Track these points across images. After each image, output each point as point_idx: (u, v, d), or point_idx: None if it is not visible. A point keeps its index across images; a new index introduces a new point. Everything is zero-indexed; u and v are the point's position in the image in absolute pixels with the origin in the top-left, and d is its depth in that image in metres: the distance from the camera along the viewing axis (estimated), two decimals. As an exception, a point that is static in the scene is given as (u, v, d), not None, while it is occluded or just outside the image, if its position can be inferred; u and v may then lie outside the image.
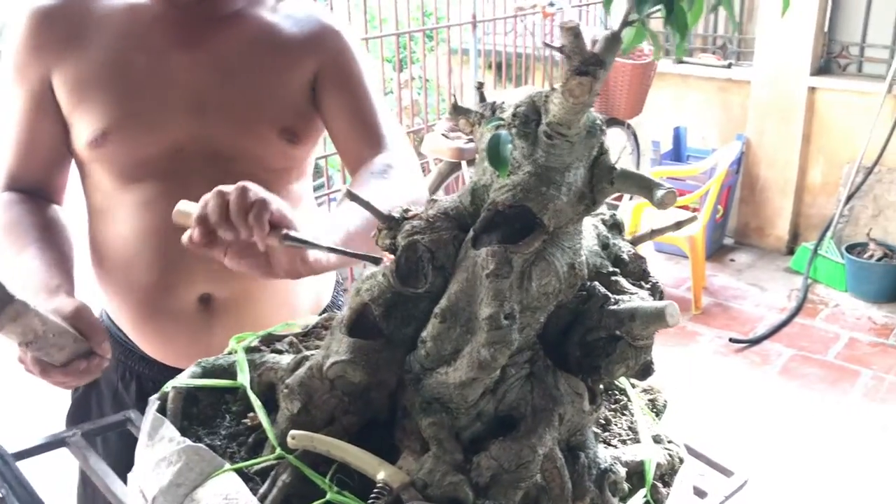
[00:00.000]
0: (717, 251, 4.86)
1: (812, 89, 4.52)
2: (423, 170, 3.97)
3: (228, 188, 0.98)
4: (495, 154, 0.74)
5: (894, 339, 3.91)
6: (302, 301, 1.42)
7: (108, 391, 1.40)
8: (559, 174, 0.82)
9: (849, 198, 4.44)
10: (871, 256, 4.26)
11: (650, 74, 4.62)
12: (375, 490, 0.79)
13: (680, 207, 4.48)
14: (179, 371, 0.98)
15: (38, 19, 1.27)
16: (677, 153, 5.04)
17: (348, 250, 1.00)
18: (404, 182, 1.24)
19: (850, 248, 4.34)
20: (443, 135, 3.82)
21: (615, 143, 5.15)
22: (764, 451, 3.08)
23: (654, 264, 4.66)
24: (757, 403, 3.42)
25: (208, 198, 0.98)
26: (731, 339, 3.88)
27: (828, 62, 4.57)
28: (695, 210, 4.52)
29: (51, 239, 1.26)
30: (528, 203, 0.81)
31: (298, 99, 1.33)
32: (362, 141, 1.32)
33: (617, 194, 1.04)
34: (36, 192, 1.33)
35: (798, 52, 4.48)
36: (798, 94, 4.53)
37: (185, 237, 0.99)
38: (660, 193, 0.81)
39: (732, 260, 4.80)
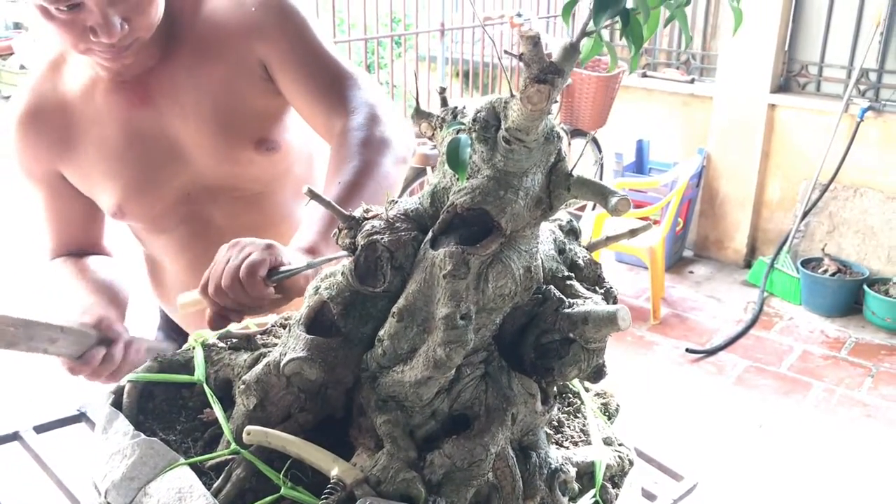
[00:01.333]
0: (676, 263, 4.93)
1: (772, 106, 4.61)
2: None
3: (216, 271, 1.08)
4: (454, 157, 0.76)
5: (846, 353, 4.00)
6: None
7: None
8: (517, 179, 0.83)
9: (805, 214, 4.54)
10: (826, 271, 4.35)
11: (615, 87, 4.68)
12: (329, 486, 0.80)
13: (641, 219, 4.54)
14: None
15: (25, 128, 1.38)
16: (640, 165, 5.11)
17: (330, 257, 1.07)
18: (385, 143, 1.26)
19: (806, 263, 4.43)
20: (408, 140, 3.83)
21: (580, 154, 5.20)
22: (717, 457, 3.13)
23: (615, 274, 4.73)
24: (711, 412, 3.47)
25: (206, 282, 1.08)
26: (687, 350, 3.94)
27: (787, 80, 4.67)
28: (655, 222, 4.58)
29: (91, 277, 1.41)
30: (487, 206, 0.83)
31: (259, 99, 1.34)
32: (326, 110, 1.31)
33: (580, 204, 1.07)
34: (81, 253, 1.48)
35: (759, 70, 4.57)
36: (758, 111, 4.62)
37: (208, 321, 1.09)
38: (614, 200, 0.83)
39: (691, 272, 4.87)
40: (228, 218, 1.45)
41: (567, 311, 0.89)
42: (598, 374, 0.92)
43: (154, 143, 1.36)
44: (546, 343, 0.91)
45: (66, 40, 1.22)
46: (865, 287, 4.25)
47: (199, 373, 0.94)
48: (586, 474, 0.93)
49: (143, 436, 0.86)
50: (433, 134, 0.90)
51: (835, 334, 4.17)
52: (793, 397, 3.60)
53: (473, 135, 0.83)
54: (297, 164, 1.47)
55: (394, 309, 0.85)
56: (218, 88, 1.33)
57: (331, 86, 1.32)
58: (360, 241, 0.87)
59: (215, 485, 0.83)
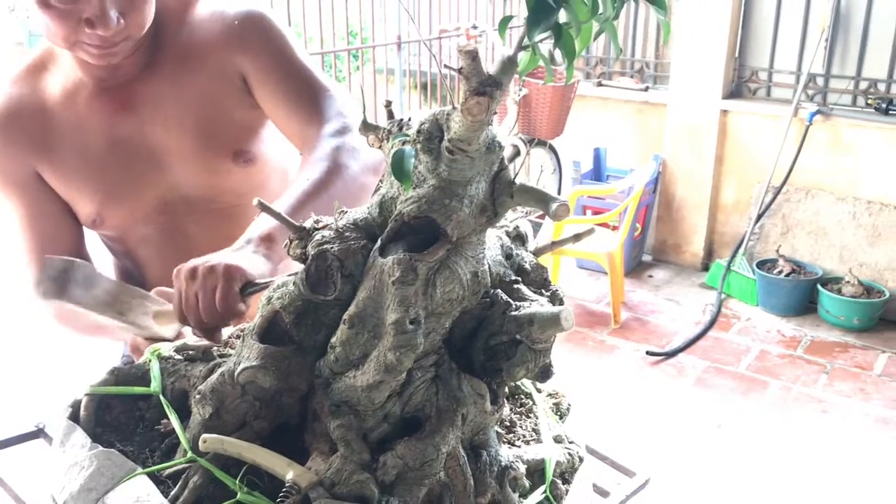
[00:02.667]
0: (635, 268, 5.00)
1: (724, 112, 4.71)
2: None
3: (190, 306, 1.09)
4: (399, 168, 0.79)
5: (802, 351, 4.09)
6: None
7: None
8: (461, 187, 0.87)
9: (759, 216, 4.64)
10: (781, 272, 4.45)
11: (570, 97, 4.75)
12: (284, 490, 0.82)
13: (599, 225, 4.61)
14: None
15: (3, 126, 1.35)
16: (597, 173, 5.19)
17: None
18: (356, 151, 1.29)
19: (761, 265, 4.53)
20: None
21: (539, 163, 5.27)
22: (677, 457, 3.19)
23: (576, 280, 4.79)
24: (672, 413, 3.53)
25: (180, 302, 1.10)
26: (648, 352, 4.00)
27: (739, 86, 4.78)
28: (614, 228, 4.65)
29: None
30: (433, 214, 0.86)
31: (237, 111, 1.37)
32: (302, 120, 1.34)
33: (539, 213, 1.10)
34: None
35: (711, 77, 4.68)
36: (711, 117, 4.72)
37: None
38: (554, 206, 0.87)
39: (650, 276, 4.95)
40: (204, 230, 1.46)
41: (514, 313, 0.93)
42: (545, 373, 0.96)
43: (135, 150, 1.37)
44: (494, 345, 0.94)
45: (59, 32, 1.22)
46: (819, 286, 4.35)
47: (156, 385, 0.96)
48: (537, 471, 0.96)
49: (100, 447, 0.87)
50: (381, 145, 0.93)
51: (791, 333, 4.27)
52: (751, 396, 3.68)
53: (418, 146, 0.86)
54: (273, 178, 1.49)
55: (345, 316, 0.88)
56: (199, 99, 1.36)
57: (307, 97, 1.36)
58: (311, 250, 0.89)
59: (172, 492, 0.84)
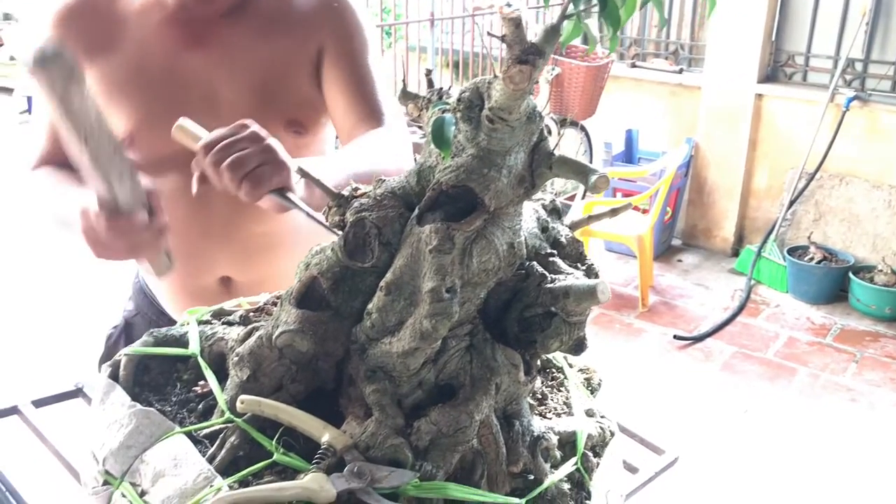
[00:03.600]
0: (665, 252, 4.97)
1: (759, 96, 4.65)
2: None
3: (233, 133, 1.03)
4: (439, 135, 0.79)
5: (831, 339, 4.05)
6: None
7: None
8: (500, 157, 0.87)
9: (791, 202, 4.59)
10: (812, 259, 4.40)
11: (604, 77, 4.71)
12: (320, 451, 0.83)
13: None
14: None
15: (64, 18, 1.33)
16: (629, 155, 5.15)
17: (324, 222, 1.02)
18: (386, 151, 1.29)
19: (792, 251, 4.48)
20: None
21: (569, 144, 5.24)
22: (703, 439, 3.18)
23: (604, 263, 4.77)
24: (698, 397, 3.52)
25: (212, 147, 1.03)
26: (675, 336, 3.98)
27: (774, 70, 4.71)
28: (644, 211, 4.63)
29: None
30: (471, 184, 0.86)
31: (304, 84, 1.37)
32: (359, 116, 1.35)
33: (570, 193, 1.10)
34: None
35: (746, 60, 4.61)
36: (745, 101, 4.66)
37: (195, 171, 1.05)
38: (593, 178, 0.87)
39: (680, 260, 4.92)
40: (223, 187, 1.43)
41: (549, 285, 0.93)
42: (579, 346, 0.96)
43: (191, 87, 1.34)
44: (529, 317, 0.94)
45: None
46: (850, 274, 4.30)
47: (194, 346, 0.97)
48: (568, 443, 0.97)
49: (139, 406, 0.89)
50: (419, 115, 0.93)
51: (820, 321, 4.23)
52: (778, 383, 3.65)
53: (458, 114, 0.86)
54: (315, 152, 1.49)
55: (382, 283, 0.88)
56: (273, 60, 1.35)
57: (371, 99, 1.38)
58: (349, 217, 0.90)
59: (209, 452, 0.86)
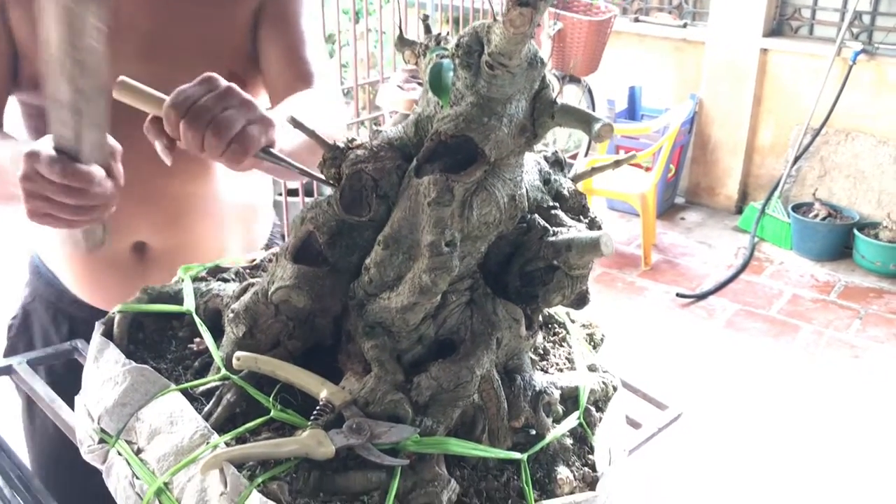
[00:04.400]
0: (668, 210, 4.94)
1: (764, 51, 4.58)
2: (378, 122, 3.96)
3: (202, 90, 0.92)
4: (437, 81, 0.76)
5: (835, 296, 4.04)
6: (235, 247, 1.42)
7: (39, 333, 1.41)
8: (501, 105, 0.84)
9: (796, 159, 4.54)
10: (816, 216, 4.37)
11: (606, 32, 4.64)
12: (318, 408, 0.82)
13: (633, 166, 4.54)
14: None
15: None
16: (632, 112, 5.10)
17: (316, 174, 0.95)
18: (326, 110, 1.24)
19: (796, 208, 4.45)
20: (398, 87, 3.80)
21: (572, 100, 5.18)
22: (706, 396, 3.18)
23: (608, 222, 4.73)
24: (701, 354, 3.52)
25: (184, 96, 0.91)
26: (678, 294, 3.97)
27: (780, 24, 4.63)
28: (647, 169, 4.58)
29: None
30: (470, 133, 0.83)
31: (243, 39, 1.32)
32: (292, 76, 1.30)
33: (573, 153, 1.07)
34: None
35: (751, 14, 4.53)
36: (750, 56, 4.59)
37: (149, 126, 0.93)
38: (597, 126, 0.84)
39: (683, 218, 4.89)
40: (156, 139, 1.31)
41: (551, 238, 0.90)
42: (581, 300, 0.94)
43: (124, 27, 1.22)
44: (531, 271, 0.92)
45: None
46: (855, 231, 4.27)
47: (189, 303, 0.95)
48: (570, 398, 0.95)
49: (133, 363, 0.87)
50: (417, 61, 0.90)
51: (824, 278, 4.21)
52: (782, 340, 3.65)
53: (457, 60, 0.83)
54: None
55: (380, 237, 0.86)
56: (215, 13, 1.29)
57: (306, 62, 1.32)
58: (345, 170, 0.87)
59: (206, 409, 0.84)
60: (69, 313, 1.38)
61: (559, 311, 1.14)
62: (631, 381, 1.26)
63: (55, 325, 1.39)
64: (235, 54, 1.31)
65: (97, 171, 0.95)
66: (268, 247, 1.52)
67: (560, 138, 5.36)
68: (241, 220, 1.44)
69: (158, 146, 0.94)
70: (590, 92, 4.92)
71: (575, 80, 4.73)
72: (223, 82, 0.94)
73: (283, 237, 1.58)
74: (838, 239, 4.34)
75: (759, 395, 3.23)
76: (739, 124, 4.75)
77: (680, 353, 3.52)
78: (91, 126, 0.93)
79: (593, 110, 4.98)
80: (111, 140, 0.99)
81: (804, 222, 4.35)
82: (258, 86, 1.38)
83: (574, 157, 4.84)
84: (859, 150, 4.42)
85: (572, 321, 1.16)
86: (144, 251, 1.32)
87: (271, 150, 0.96)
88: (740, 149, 4.80)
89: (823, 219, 4.34)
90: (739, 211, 4.87)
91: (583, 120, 0.86)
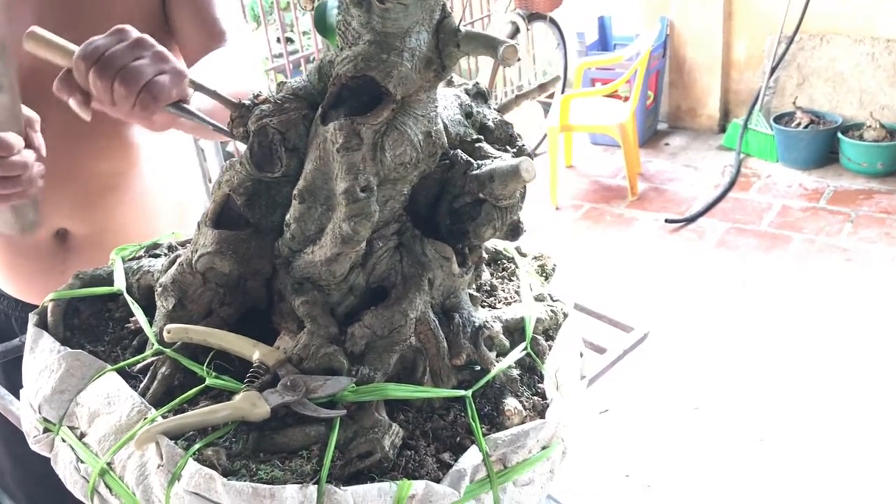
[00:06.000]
0: (651, 137, 4.89)
1: (729, -37, 4.50)
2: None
3: (113, 41, 0.89)
4: (322, 22, 0.74)
5: (825, 202, 4.01)
6: (166, 232, 1.36)
7: None
8: (399, 40, 0.81)
9: (773, 69, 4.48)
10: (799, 125, 4.32)
11: (567, -36, 4.56)
12: (251, 370, 0.81)
13: (609, 97, 4.49)
14: (34, 306, 0.97)
15: None
16: (604, 43, 5.02)
17: (225, 128, 0.92)
18: (241, 66, 1.21)
19: (778, 119, 4.40)
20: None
21: (540, 39, 5.10)
22: (703, 318, 3.18)
23: (590, 157, 4.70)
24: (694, 277, 3.51)
25: (93, 50, 0.88)
26: (666, 220, 3.95)
27: (742, -67, 4.54)
28: (625, 99, 4.53)
29: None
30: (371, 72, 0.81)
31: (152, 3, 1.28)
32: (204, 36, 1.26)
33: (550, 91, 1.03)
34: None
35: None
36: (716, -31, 4.51)
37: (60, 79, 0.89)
38: (501, 49, 0.81)
39: (667, 144, 4.84)
40: (62, 113, 1.19)
41: (475, 172, 0.88)
42: (514, 231, 0.92)
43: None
44: (459, 207, 0.90)
45: None
46: (840, 135, 4.23)
47: (119, 283, 0.94)
48: (517, 330, 0.94)
49: (67, 349, 0.86)
50: (312, 7, 0.87)
51: (813, 185, 4.18)
52: (774, 253, 3.63)
53: None
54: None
55: (294, 191, 0.84)
56: None
57: (218, 20, 1.28)
58: (251, 126, 0.85)
59: (142, 385, 0.84)
60: None
61: (508, 246, 1.13)
62: (624, 314, 1.23)
63: None
64: (146, 19, 1.26)
65: (14, 139, 0.92)
66: None
67: (526, 76, 5.30)
68: (171, 202, 1.39)
69: (73, 103, 0.90)
70: (557, 27, 4.84)
71: (541, 17, 4.65)
72: (135, 33, 0.91)
73: None
74: (823, 145, 4.29)
75: (755, 311, 3.23)
76: (713, 42, 4.68)
77: (673, 278, 3.51)
78: None
79: (564, 46, 4.91)
80: (28, 111, 0.95)
81: (787, 132, 4.30)
82: (174, 52, 1.32)
83: (551, 96, 4.78)
84: (836, 53, 4.35)
85: (522, 255, 1.14)
86: (66, 239, 1.28)
87: (184, 104, 0.93)
88: (716, 66, 4.73)
89: (806, 126, 4.29)
90: (723, 129, 4.82)
91: (488, 45, 0.84)
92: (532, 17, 4.58)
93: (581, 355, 0.99)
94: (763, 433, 2.60)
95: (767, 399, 2.74)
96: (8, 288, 1.33)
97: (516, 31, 4.53)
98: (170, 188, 1.39)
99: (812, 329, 3.08)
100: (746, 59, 4.68)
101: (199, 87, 0.86)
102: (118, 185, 1.30)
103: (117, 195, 1.30)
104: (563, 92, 4.67)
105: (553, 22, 4.80)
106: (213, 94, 0.87)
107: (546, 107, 4.68)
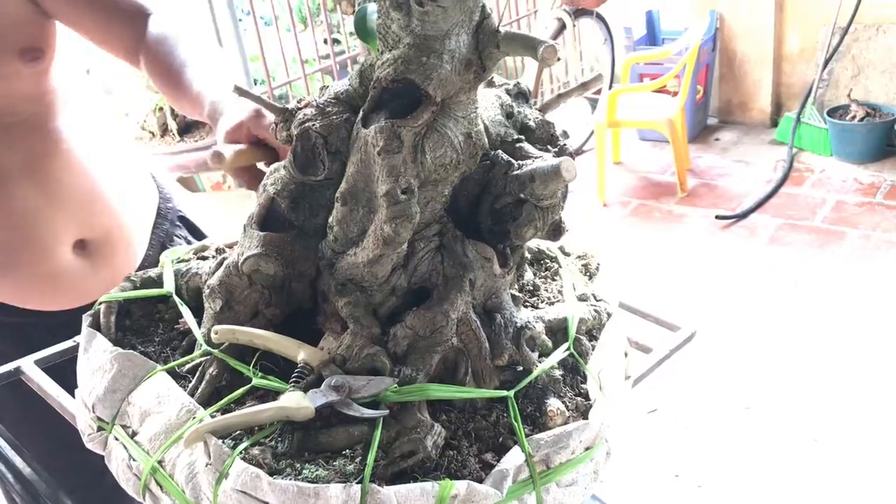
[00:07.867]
0: (701, 132, 4.82)
1: (781, -47, 4.41)
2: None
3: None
4: (362, 26, 0.74)
5: (881, 197, 3.91)
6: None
7: None
8: (438, 42, 0.82)
9: (827, 61, 4.38)
10: (854, 117, 4.22)
11: (614, -41, 4.51)
12: (296, 370, 0.82)
13: (658, 92, 4.44)
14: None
15: None
16: (652, 37, 4.96)
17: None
18: (211, 50, 1.20)
19: (832, 112, 4.30)
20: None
21: (587, 34, 5.07)
22: (754, 317, 3.13)
23: (639, 152, 4.66)
24: (746, 274, 3.45)
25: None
26: (717, 216, 3.89)
27: (794, -77, 4.44)
28: (674, 94, 4.47)
29: None
30: (411, 75, 0.81)
31: (25, 9, 1.17)
32: (118, 21, 1.20)
33: (591, 90, 1.04)
34: None
35: (762, -83, 4.36)
36: (767, -40, 4.43)
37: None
38: (541, 49, 0.81)
39: (717, 139, 4.77)
40: (3, 148, 1.21)
41: (515, 172, 0.89)
42: (556, 231, 0.92)
43: None
44: (500, 208, 0.90)
45: None
46: (896, 127, 4.12)
47: (169, 285, 0.96)
48: (560, 330, 0.94)
49: (119, 350, 0.89)
50: (353, 11, 0.88)
51: (868, 180, 4.08)
52: (828, 249, 3.55)
53: (387, 2, 0.81)
54: (67, 79, 1.28)
55: (337, 194, 0.85)
56: None
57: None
58: (294, 131, 0.87)
59: (190, 385, 0.86)
60: None
61: (551, 246, 1.13)
62: (674, 315, 1.21)
63: None
64: (20, 27, 1.17)
65: None
66: (156, 228, 1.42)
67: (566, 75, 5.26)
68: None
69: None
70: (604, 22, 4.80)
71: (587, 12, 4.61)
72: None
73: (181, 218, 1.48)
74: (879, 138, 4.19)
75: (808, 309, 3.16)
76: (764, 34, 4.59)
77: (722, 275, 3.46)
78: None
79: (612, 41, 4.87)
80: None
81: (842, 125, 4.21)
82: (60, 53, 1.25)
83: (598, 92, 4.74)
84: (892, 43, 4.24)
85: (566, 254, 1.14)
86: (86, 248, 1.28)
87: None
88: (768, 59, 4.64)
89: (861, 119, 4.19)
90: (775, 124, 4.73)
91: (528, 46, 0.84)
92: (578, 13, 4.55)
93: (626, 355, 0.99)
94: (817, 433, 2.55)
95: (821, 399, 2.69)
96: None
97: (562, 27, 4.50)
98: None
99: (867, 328, 3.00)
100: (799, 52, 4.59)
101: (245, 94, 0.88)
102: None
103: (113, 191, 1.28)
104: (610, 87, 4.63)
105: (600, 17, 4.76)
106: (258, 99, 0.88)
107: (593, 103, 4.65)
